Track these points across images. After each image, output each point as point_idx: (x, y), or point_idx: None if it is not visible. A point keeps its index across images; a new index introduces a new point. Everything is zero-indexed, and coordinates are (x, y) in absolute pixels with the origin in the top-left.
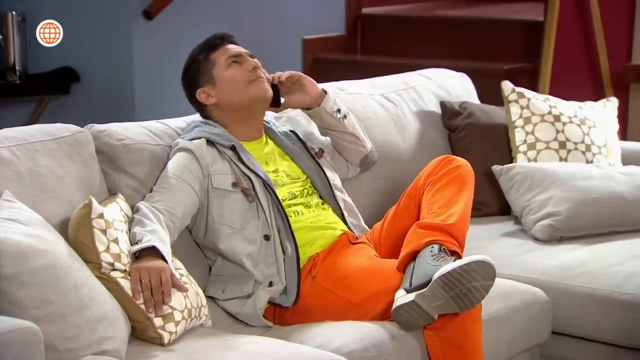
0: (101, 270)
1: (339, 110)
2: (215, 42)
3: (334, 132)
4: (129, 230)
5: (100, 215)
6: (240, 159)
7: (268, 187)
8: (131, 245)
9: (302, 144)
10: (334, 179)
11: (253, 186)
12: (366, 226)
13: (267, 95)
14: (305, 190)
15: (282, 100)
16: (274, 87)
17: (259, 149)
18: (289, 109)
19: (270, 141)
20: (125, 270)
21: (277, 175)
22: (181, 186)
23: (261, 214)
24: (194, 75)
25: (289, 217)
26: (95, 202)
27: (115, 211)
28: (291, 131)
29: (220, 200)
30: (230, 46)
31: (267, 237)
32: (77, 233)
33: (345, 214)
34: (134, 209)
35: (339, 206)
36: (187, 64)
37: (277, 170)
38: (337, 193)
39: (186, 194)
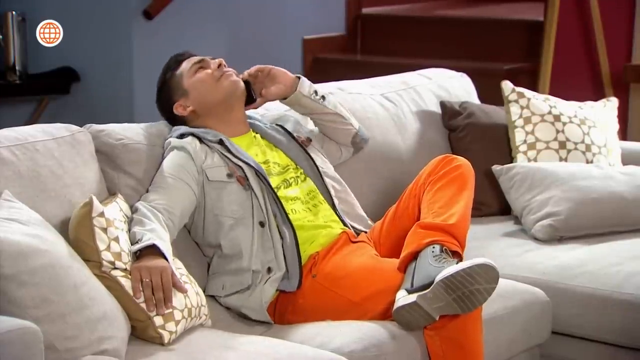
0: (102, 269)
1: (316, 92)
2: (177, 59)
3: (317, 114)
4: (129, 230)
5: (101, 214)
6: (229, 151)
7: (260, 175)
8: (131, 245)
9: (289, 135)
10: (323, 166)
11: (245, 175)
12: (364, 213)
13: (238, 87)
14: (298, 178)
15: (257, 96)
16: (246, 84)
17: (247, 142)
18: (270, 104)
19: (257, 135)
20: (126, 269)
21: (268, 166)
22: (178, 185)
23: (255, 201)
24: (167, 95)
25: (288, 215)
26: (96, 201)
27: (115, 211)
28: (277, 125)
29: (218, 193)
30: (191, 58)
31: (262, 224)
32: (78, 231)
33: (336, 201)
34: (133, 209)
35: (330, 194)
36: (158, 89)
37: (267, 161)
38: (327, 180)
39: (184, 192)
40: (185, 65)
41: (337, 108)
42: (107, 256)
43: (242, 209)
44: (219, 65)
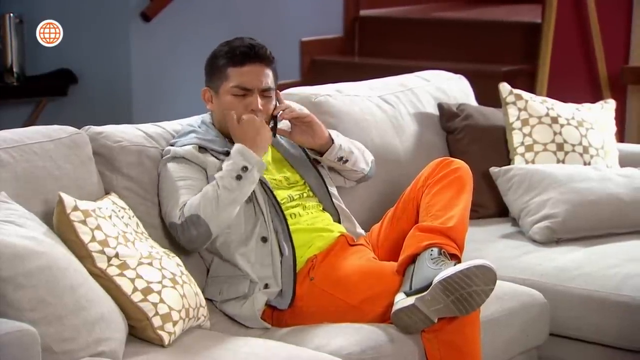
0: (96, 263)
1: (341, 158)
2: (241, 59)
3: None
4: (203, 203)
5: (75, 208)
6: None
7: (266, 187)
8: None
9: (302, 149)
10: (331, 185)
11: None
12: (362, 231)
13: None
14: (304, 194)
15: (281, 126)
16: (273, 117)
17: None
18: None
19: (268, 147)
20: (120, 265)
21: (275, 180)
22: (192, 182)
23: (259, 215)
24: (211, 69)
25: (287, 219)
26: (65, 196)
27: (101, 203)
28: None
29: None
30: (251, 69)
31: (264, 239)
32: (61, 232)
33: (341, 218)
34: (179, 218)
35: (336, 210)
36: (217, 52)
37: (273, 174)
38: (334, 200)
39: (200, 185)
40: (237, 74)
41: (355, 165)
42: (94, 247)
43: (240, 222)
44: (252, 110)
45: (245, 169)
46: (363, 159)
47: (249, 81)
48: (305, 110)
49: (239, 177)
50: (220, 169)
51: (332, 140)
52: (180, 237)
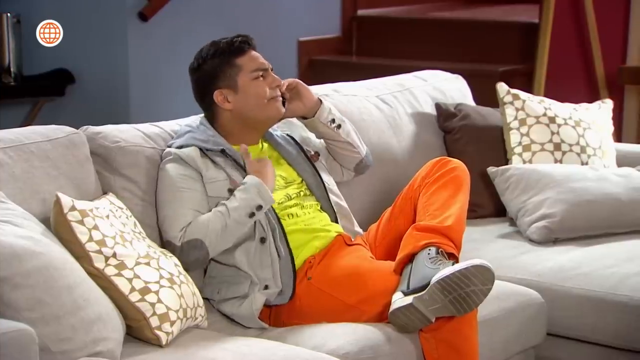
0: (94, 264)
1: (333, 121)
2: (242, 47)
3: (328, 139)
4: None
5: (72, 207)
6: (233, 163)
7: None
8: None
9: (299, 147)
10: (330, 182)
11: None
12: (360, 230)
13: (279, 115)
14: (302, 192)
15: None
16: (283, 101)
17: (253, 154)
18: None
19: (265, 145)
20: (118, 265)
21: None
22: (189, 195)
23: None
24: (214, 73)
25: (283, 220)
26: (63, 196)
27: (98, 202)
28: (288, 135)
29: None
30: (254, 54)
31: (263, 240)
32: (59, 232)
33: (339, 217)
34: (185, 240)
35: (333, 210)
36: (205, 57)
37: None
38: (332, 197)
39: (199, 197)
40: (248, 60)
41: (349, 136)
42: (91, 247)
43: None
44: (277, 86)
45: (260, 207)
46: (357, 137)
47: (261, 63)
48: (289, 79)
49: (252, 215)
50: (228, 185)
51: (321, 101)
52: (178, 258)
